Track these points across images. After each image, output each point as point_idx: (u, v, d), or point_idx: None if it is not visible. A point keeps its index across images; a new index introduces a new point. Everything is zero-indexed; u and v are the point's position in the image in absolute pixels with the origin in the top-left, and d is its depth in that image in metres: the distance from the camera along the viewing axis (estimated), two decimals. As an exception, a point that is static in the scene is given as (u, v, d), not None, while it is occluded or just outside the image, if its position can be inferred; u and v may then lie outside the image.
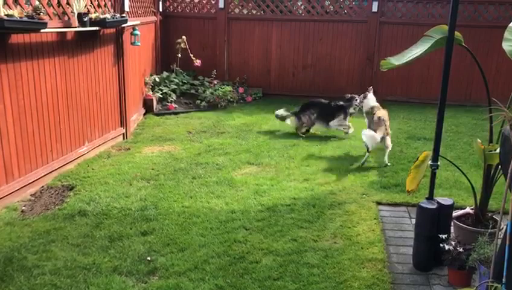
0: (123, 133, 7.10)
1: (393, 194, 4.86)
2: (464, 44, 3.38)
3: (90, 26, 5.63)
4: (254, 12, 10.35)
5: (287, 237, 4.00)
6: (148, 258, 3.71)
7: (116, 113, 6.92)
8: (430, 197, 3.42)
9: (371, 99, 6.62)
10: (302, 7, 10.18)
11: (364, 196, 4.84)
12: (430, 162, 3.44)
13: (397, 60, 3.38)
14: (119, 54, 6.89)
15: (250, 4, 10.32)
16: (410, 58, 3.25)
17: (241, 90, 9.97)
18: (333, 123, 7.31)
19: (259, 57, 10.39)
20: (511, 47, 3.44)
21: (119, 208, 4.59)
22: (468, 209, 3.76)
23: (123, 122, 7.09)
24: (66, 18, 5.38)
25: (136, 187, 5.13)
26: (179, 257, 3.72)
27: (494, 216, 3.69)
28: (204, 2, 10.43)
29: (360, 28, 9.92)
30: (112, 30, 6.65)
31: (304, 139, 7.01)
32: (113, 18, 6.19)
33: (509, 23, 3.54)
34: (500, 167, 3.53)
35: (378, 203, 4.64)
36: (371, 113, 6.38)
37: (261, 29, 10.25)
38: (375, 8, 9.71)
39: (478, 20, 9.58)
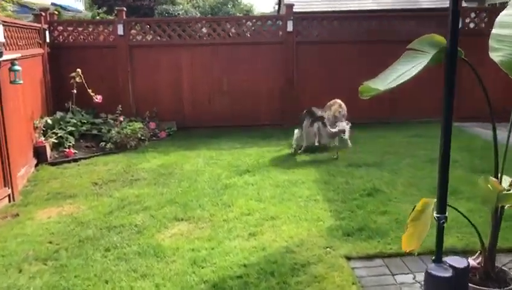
0: (9, 195, 5.59)
1: (361, 243, 4.02)
2: (464, 57, 2.65)
3: None
4: (159, 38, 9.27)
5: (249, 329, 2.95)
6: None
7: (-3, 170, 5.43)
8: (439, 260, 2.60)
9: None
10: (212, 30, 9.30)
11: (328, 249, 3.93)
12: (435, 215, 2.61)
13: (381, 84, 2.55)
14: (-6, 96, 5.44)
15: (154, 30, 9.23)
16: (401, 80, 2.43)
17: (152, 125, 8.78)
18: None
19: (170, 87, 9.30)
20: (501, 57, 2.77)
21: (3, 314, 3.23)
22: (472, 262, 3.00)
23: (8, 180, 5.59)
24: None
25: (28, 274, 3.77)
26: None
27: (503, 268, 2.97)
28: (100, 29, 9.16)
29: (277, 49, 9.26)
30: (-18, 66, 5.21)
31: (236, 179, 6.00)
32: (-18, 51, 4.79)
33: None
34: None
35: (348, 258, 3.76)
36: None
37: (168, 57, 9.19)
38: (290, 27, 9.12)
39: (391, 35, 9.36)
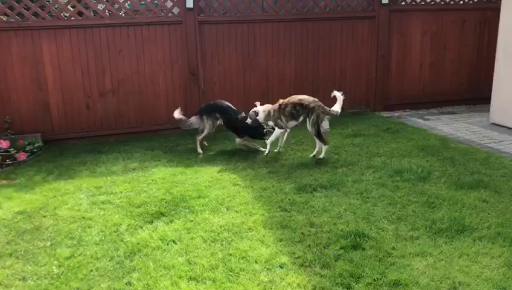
0: None
1: None
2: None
3: None
4: (5, 18, 6.60)
5: None
6: None
7: None
8: None
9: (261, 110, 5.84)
10: (84, 7, 6.83)
11: None
12: None
13: None
14: None
15: (-4, 6, 6.51)
16: None
17: (4, 144, 6.17)
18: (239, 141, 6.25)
19: (29, 86, 6.73)
20: None
21: None
22: None
23: None
24: None
25: None
26: None
27: None
28: None
29: (174, 31, 7.16)
30: None
31: (146, 233, 3.93)
32: None
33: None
34: None
35: None
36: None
37: (22, 44, 6.59)
38: (189, 2, 7.06)
39: (315, 12, 7.83)
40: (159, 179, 5.28)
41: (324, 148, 5.56)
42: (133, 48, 7.02)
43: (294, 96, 5.75)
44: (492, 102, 7.13)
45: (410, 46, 8.32)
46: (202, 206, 4.43)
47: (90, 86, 6.94)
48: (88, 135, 7.02)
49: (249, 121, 5.86)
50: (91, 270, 3.39)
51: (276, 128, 5.78)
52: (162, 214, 4.29)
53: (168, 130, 7.28)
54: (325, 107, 5.50)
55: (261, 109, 5.86)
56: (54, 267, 3.47)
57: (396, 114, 8.17)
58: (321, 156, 5.58)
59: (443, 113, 8.22)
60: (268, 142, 5.79)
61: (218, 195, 4.69)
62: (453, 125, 7.22)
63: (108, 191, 4.99)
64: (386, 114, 8.17)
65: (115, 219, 4.24)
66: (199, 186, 4.96)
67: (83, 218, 4.32)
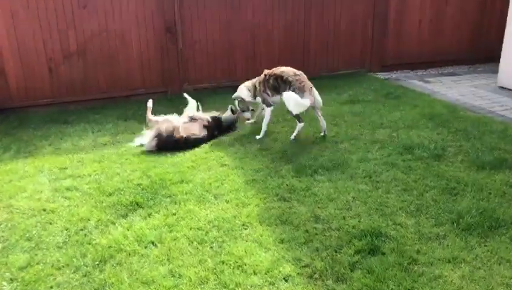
0: None
1: None
2: None
3: None
4: None
5: None
6: None
7: None
8: None
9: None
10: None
11: None
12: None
13: None
14: None
15: None
16: None
17: (-47, 115, 5.34)
18: None
19: (-23, 47, 5.80)
20: None
21: None
22: None
23: None
24: None
25: None
26: None
27: None
28: None
29: (148, -18, 6.25)
30: None
31: (118, 231, 3.27)
32: None
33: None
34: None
35: None
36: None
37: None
38: None
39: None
40: (134, 157, 4.58)
41: (298, 125, 4.77)
42: (100, 2, 6.10)
43: (278, 67, 4.89)
44: (501, 64, 6.52)
45: (409, 1, 7.56)
46: (186, 194, 3.77)
47: (52, 47, 6.06)
48: (52, 102, 6.21)
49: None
50: (51, 287, 2.74)
51: (265, 107, 5.01)
52: (138, 205, 3.62)
53: (143, 95, 6.49)
54: (304, 84, 4.66)
55: (245, 87, 5.12)
56: (4, 282, 2.80)
57: (394, 75, 7.52)
58: (292, 135, 4.81)
59: (443, 74, 7.61)
60: (264, 124, 4.99)
61: (203, 179, 4.03)
62: (457, 89, 6.63)
63: (75, 173, 4.27)
64: (382, 75, 7.51)
65: (81, 212, 3.56)
66: (181, 167, 4.29)
67: (44, 210, 3.62)
